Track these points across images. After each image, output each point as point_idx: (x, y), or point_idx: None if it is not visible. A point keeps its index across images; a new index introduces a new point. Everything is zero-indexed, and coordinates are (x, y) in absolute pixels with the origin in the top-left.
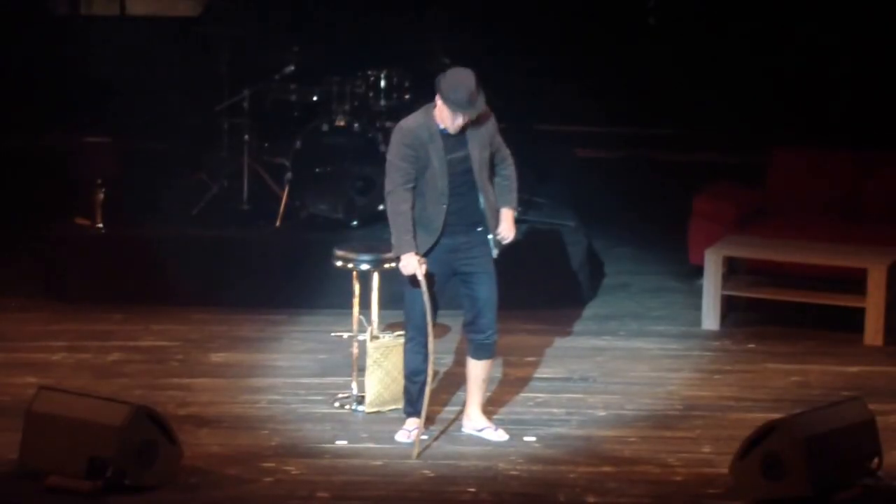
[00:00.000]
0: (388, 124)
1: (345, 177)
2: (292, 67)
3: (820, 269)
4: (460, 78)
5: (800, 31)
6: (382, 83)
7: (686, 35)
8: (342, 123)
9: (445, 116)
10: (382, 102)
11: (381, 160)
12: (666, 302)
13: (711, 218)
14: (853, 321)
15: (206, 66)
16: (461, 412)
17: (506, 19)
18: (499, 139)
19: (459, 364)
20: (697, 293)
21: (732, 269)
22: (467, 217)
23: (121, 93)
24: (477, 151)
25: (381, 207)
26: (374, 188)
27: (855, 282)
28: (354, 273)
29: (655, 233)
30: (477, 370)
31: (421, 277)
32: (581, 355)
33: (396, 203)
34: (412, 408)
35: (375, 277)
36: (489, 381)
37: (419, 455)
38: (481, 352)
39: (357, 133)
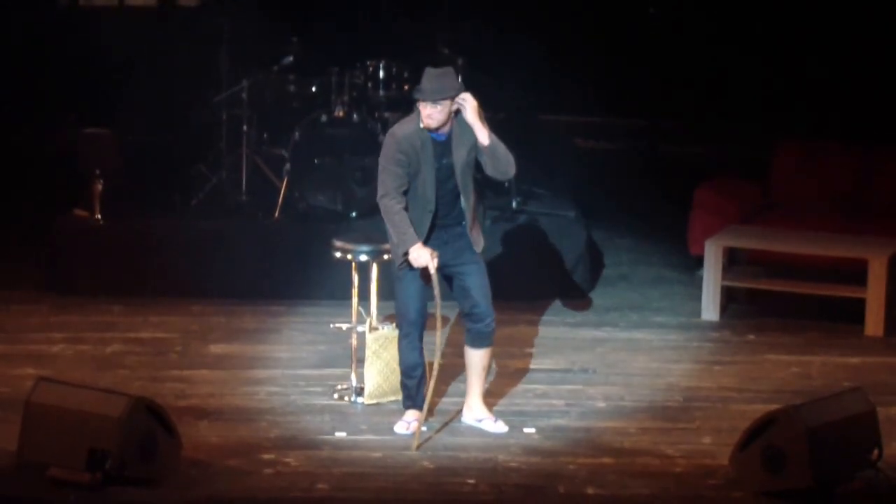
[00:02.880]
0: (386, 115)
1: (344, 168)
2: (291, 58)
3: (821, 260)
4: (430, 69)
5: (804, 24)
6: (381, 74)
7: (688, 26)
8: (341, 114)
9: (422, 114)
10: (381, 93)
11: (379, 151)
12: (666, 293)
13: (713, 210)
14: (854, 312)
15: (205, 57)
16: (461, 404)
17: (506, 10)
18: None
19: (457, 355)
20: (698, 284)
21: (733, 260)
22: (452, 219)
23: (120, 84)
24: (462, 155)
25: None
26: (373, 179)
27: (856, 273)
28: (353, 264)
29: (656, 224)
30: (476, 359)
31: (433, 269)
32: (581, 346)
33: (390, 205)
34: (411, 401)
35: (374, 268)
36: (488, 370)
37: (419, 447)
38: (480, 340)
39: (356, 124)
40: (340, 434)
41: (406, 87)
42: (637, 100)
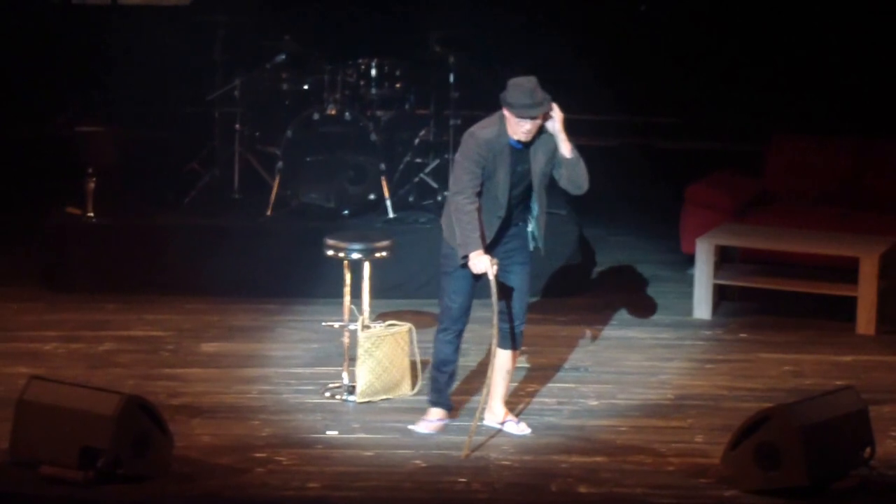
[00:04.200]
0: (379, 113)
1: (336, 166)
2: (283, 56)
3: (813, 258)
4: (520, 82)
5: (797, 18)
6: (374, 72)
7: (680, 22)
8: (333, 112)
9: (514, 127)
10: (374, 91)
11: (372, 149)
12: (659, 291)
13: (706, 207)
14: (846, 310)
15: (198, 55)
16: (455, 402)
17: (499, 7)
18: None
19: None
20: (690, 282)
21: (725, 258)
22: (514, 220)
23: (114, 82)
24: (540, 164)
25: (372, 197)
26: (365, 177)
27: (848, 271)
28: (346, 262)
29: (649, 222)
30: (502, 360)
31: (492, 277)
32: (573, 345)
33: (463, 204)
34: (437, 397)
35: (367, 267)
36: (512, 373)
37: (468, 456)
38: (508, 341)
39: (348, 122)
40: (332, 432)
41: (398, 85)
42: (629, 96)
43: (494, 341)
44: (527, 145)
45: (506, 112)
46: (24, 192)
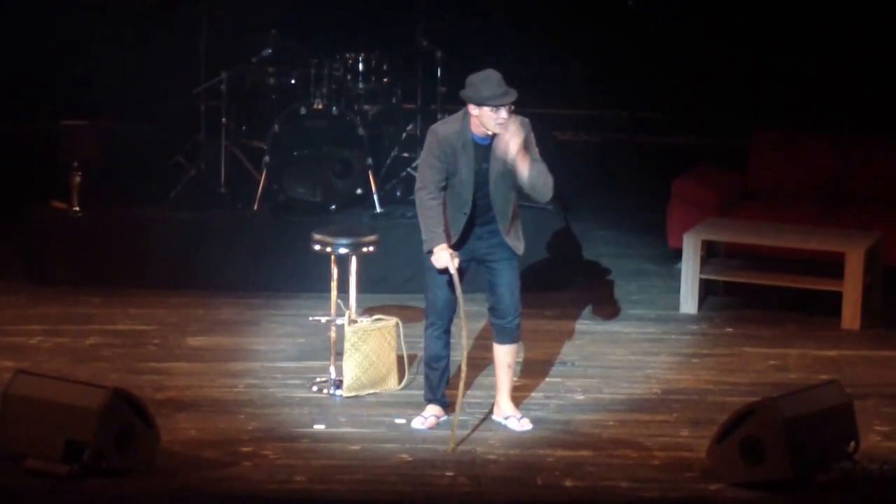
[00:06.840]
0: (366, 107)
1: (323, 160)
2: (270, 50)
3: (798, 252)
4: (486, 75)
5: (782, 14)
6: (361, 66)
7: (666, 18)
8: (320, 107)
9: (487, 120)
10: (360, 85)
11: (359, 143)
12: (644, 286)
13: (691, 202)
14: (831, 305)
15: (184, 48)
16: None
17: (485, 2)
18: (532, 151)
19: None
20: (676, 277)
21: (711, 252)
22: (488, 218)
23: (99, 76)
24: (499, 164)
25: (359, 191)
26: (352, 171)
27: (833, 265)
28: (332, 257)
29: (635, 217)
30: (501, 355)
31: (453, 271)
32: (559, 339)
33: (426, 199)
34: (432, 394)
35: (353, 261)
36: (514, 367)
37: (454, 449)
38: (503, 336)
39: (335, 116)
40: (319, 426)
41: (385, 80)
42: (617, 91)
43: (464, 333)
44: (490, 142)
45: (473, 109)
46: (8, 186)
